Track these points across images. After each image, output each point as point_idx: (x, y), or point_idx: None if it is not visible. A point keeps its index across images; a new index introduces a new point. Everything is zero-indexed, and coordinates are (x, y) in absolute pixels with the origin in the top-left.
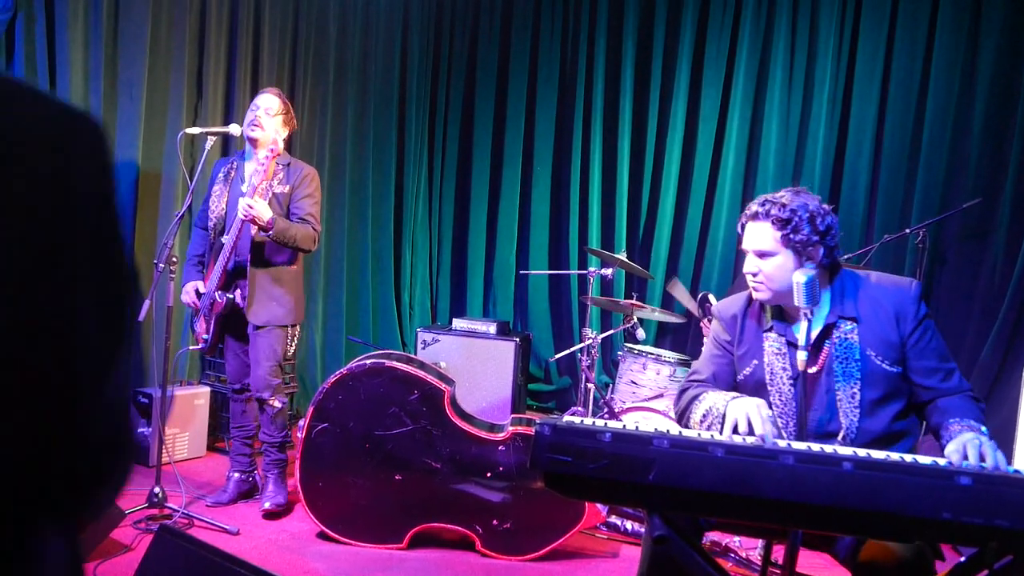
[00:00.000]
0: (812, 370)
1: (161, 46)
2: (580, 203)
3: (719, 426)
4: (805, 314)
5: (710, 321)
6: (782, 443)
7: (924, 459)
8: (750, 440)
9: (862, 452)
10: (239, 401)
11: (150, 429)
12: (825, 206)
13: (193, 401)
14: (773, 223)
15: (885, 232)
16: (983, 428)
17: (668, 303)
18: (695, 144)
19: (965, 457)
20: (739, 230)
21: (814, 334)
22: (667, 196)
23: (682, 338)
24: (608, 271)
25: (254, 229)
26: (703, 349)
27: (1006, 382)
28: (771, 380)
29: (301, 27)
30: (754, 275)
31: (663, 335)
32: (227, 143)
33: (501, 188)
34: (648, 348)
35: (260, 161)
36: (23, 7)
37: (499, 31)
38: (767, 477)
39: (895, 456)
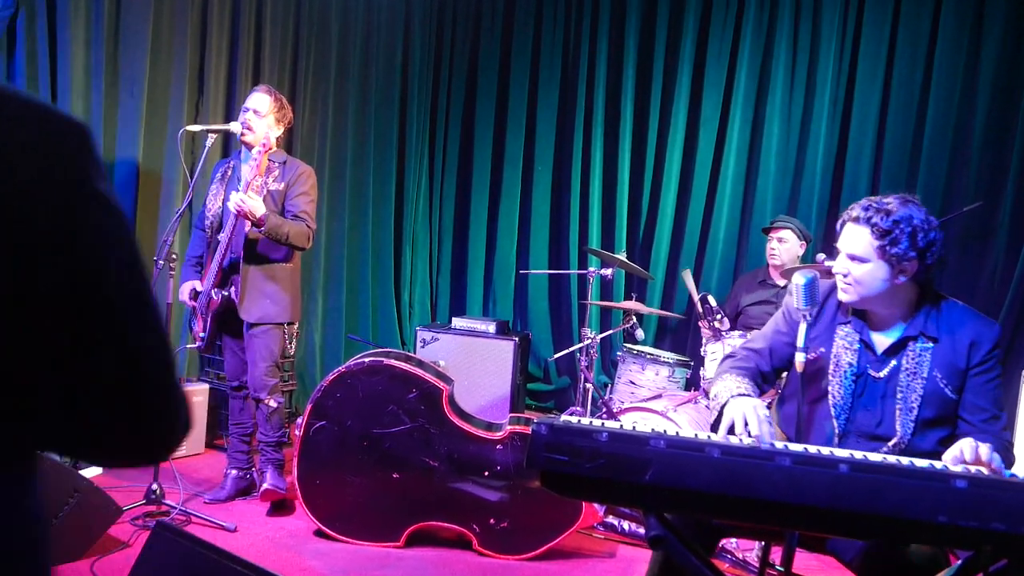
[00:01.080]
0: (879, 375)
1: (162, 44)
2: (580, 203)
3: (717, 414)
4: (804, 316)
5: (709, 321)
6: (779, 444)
7: (921, 462)
8: (747, 441)
9: (859, 454)
10: (237, 398)
11: None
12: (933, 219)
13: (192, 398)
14: (872, 231)
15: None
16: (997, 456)
17: (668, 304)
18: (696, 145)
19: (962, 461)
20: (838, 227)
21: (888, 342)
22: (668, 197)
23: (681, 339)
24: (608, 271)
25: (248, 225)
26: (772, 318)
27: (1005, 385)
28: (834, 371)
29: (303, 26)
30: (844, 276)
31: (662, 336)
32: (228, 141)
33: (502, 187)
34: (647, 349)
35: (253, 158)
36: (24, 4)
37: (501, 31)
38: (763, 478)
39: (891, 459)
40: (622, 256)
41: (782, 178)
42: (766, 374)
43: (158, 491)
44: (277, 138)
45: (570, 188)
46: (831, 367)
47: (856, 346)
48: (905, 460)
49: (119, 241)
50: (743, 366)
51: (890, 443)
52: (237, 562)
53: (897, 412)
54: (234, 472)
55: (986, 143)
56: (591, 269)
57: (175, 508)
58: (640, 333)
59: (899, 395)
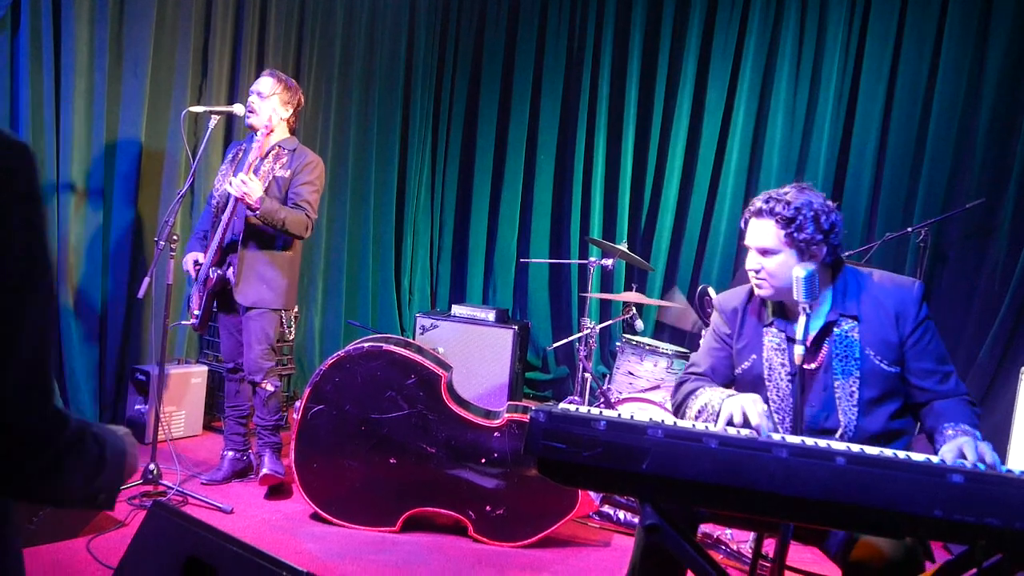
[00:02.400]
0: (811, 366)
1: (167, 24)
2: (582, 193)
3: (715, 422)
4: (804, 309)
5: (709, 314)
6: (776, 436)
7: (917, 456)
8: (744, 432)
9: (856, 447)
10: (233, 380)
11: (147, 406)
12: (830, 203)
13: (190, 379)
14: (777, 221)
15: (887, 230)
16: (978, 432)
17: (667, 296)
18: (699, 137)
19: (962, 457)
20: (742, 225)
21: (814, 331)
22: (670, 188)
23: (680, 331)
24: (608, 262)
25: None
26: (702, 341)
27: (1003, 382)
28: (769, 375)
29: (308, 9)
30: (756, 272)
31: (661, 327)
32: (230, 123)
33: (504, 175)
34: (646, 340)
35: (256, 140)
36: None
37: (506, 19)
38: (760, 470)
39: (888, 452)
40: (623, 247)
41: (785, 171)
42: None
43: (155, 471)
44: (287, 120)
45: (572, 177)
46: (766, 373)
47: (784, 345)
48: (902, 454)
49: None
50: (708, 383)
51: (836, 434)
52: (233, 543)
53: (837, 401)
54: (231, 454)
55: (990, 140)
56: (592, 259)
57: (172, 488)
58: (639, 324)
59: (836, 383)
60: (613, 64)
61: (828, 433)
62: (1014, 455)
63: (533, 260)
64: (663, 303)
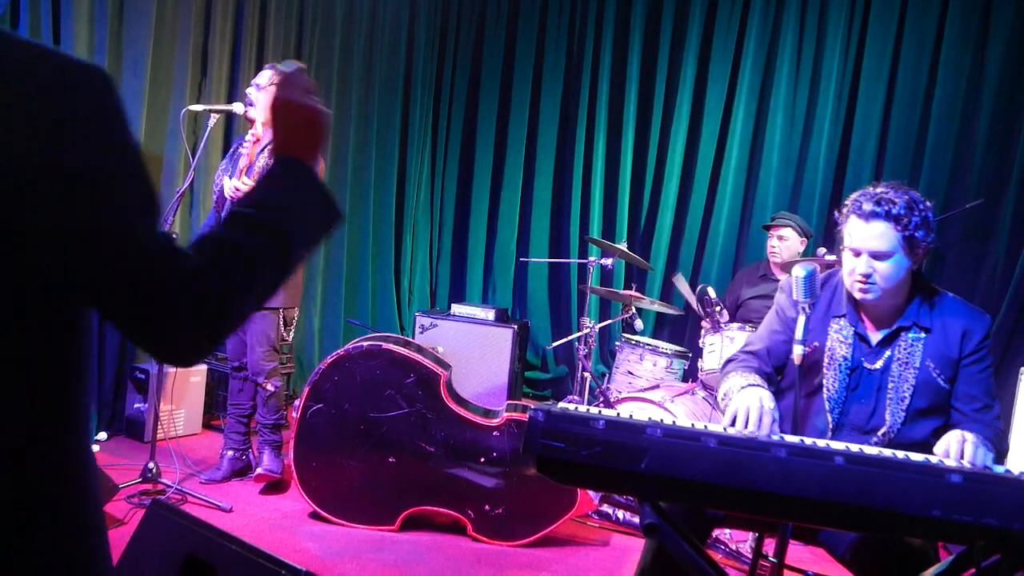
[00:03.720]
0: (872, 366)
1: (167, 23)
2: (582, 192)
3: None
4: (803, 308)
5: (709, 314)
6: (775, 436)
7: (916, 456)
8: (744, 432)
9: (854, 447)
10: (237, 379)
11: (146, 405)
12: (928, 203)
13: (189, 378)
14: (895, 223)
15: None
16: (989, 450)
17: (667, 295)
18: (699, 136)
19: (947, 455)
20: (841, 223)
21: (882, 334)
22: (670, 187)
23: (680, 330)
24: (608, 261)
25: None
26: (766, 319)
27: (1002, 383)
28: (828, 364)
29: (307, 8)
30: (867, 276)
31: (661, 327)
32: (230, 121)
33: (504, 175)
34: (646, 339)
35: (246, 141)
36: None
37: (506, 17)
38: (759, 469)
39: (887, 452)
40: (623, 246)
41: (784, 171)
42: (768, 375)
43: (154, 470)
44: None
45: (572, 176)
46: (826, 360)
47: (851, 339)
48: (900, 454)
49: (135, 176)
50: (747, 366)
51: (879, 432)
52: (232, 541)
53: (888, 402)
54: (230, 453)
55: (990, 141)
56: (591, 258)
57: (171, 487)
58: (639, 324)
59: (891, 385)
60: (613, 62)
61: (871, 433)
62: (1013, 455)
63: (533, 259)
64: (675, 281)
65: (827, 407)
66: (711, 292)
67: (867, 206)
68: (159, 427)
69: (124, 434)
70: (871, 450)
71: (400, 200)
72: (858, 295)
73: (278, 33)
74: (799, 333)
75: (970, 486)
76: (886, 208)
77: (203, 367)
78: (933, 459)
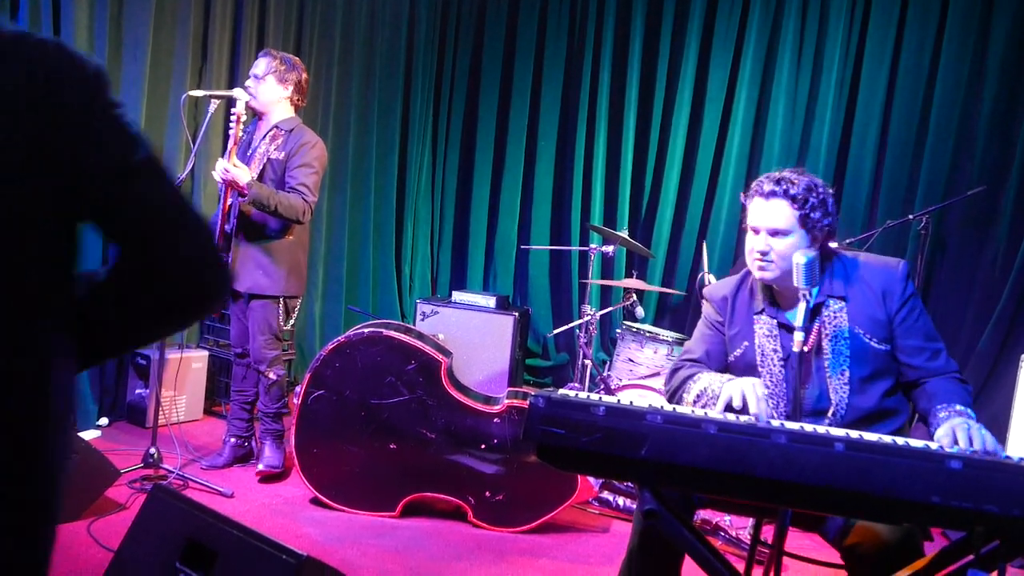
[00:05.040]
0: (805, 348)
1: (167, 7)
2: (583, 179)
3: (714, 406)
4: (804, 295)
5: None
6: (775, 422)
7: (916, 442)
8: (744, 418)
9: (855, 433)
10: (240, 365)
11: (147, 391)
12: (829, 188)
13: (190, 364)
14: (792, 202)
15: (888, 217)
16: (971, 412)
17: (668, 282)
18: (701, 124)
19: (955, 442)
20: (745, 204)
21: (803, 315)
22: (671, 175)
23: (681, 317)
24: (609, 249)
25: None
26: (695, 331)
27: (1003, 370)
28: (762, 361)
29: None
30: (764, 254)
31: (662, 314)
32: (230, 107)
33: (505, 162)
34: (646, 327)
35: (231, 124)
36: None
37: (508, 5)
38: (759, 455)
39: (887, 439)
40: (624, 233)
41: (786, 159)
42: None
43: (156, 455)
44: (288, 98)
45: (573, 164)
46: (758, 359)
47: (775, 332)
48: (900, 440)
49: (136, 144)
50: (703, 368)
51: (828, 412)
52: (233, 526)
53: (828, 380)
54: (233, 440)
55: (991, 128)
56: (592, 246)
57: (172, 472)
58: (640, 311)
59: (827, 362)
60: (615, 50)
61: (821, 414)
62: (1013, 442)
63: (534, 247)
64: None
65: (770, 404)
66: (712, 279)
67: (767, 186)
68: (160, 413)
69: (125, 420)
70: (871, 436)
71: (401, 187)
72: (757, 273)
73: (279, 18)
74: (799, 320)
75: (970, 472)
76: (784, 187)
77: (204, 353)
78: (933, 445)
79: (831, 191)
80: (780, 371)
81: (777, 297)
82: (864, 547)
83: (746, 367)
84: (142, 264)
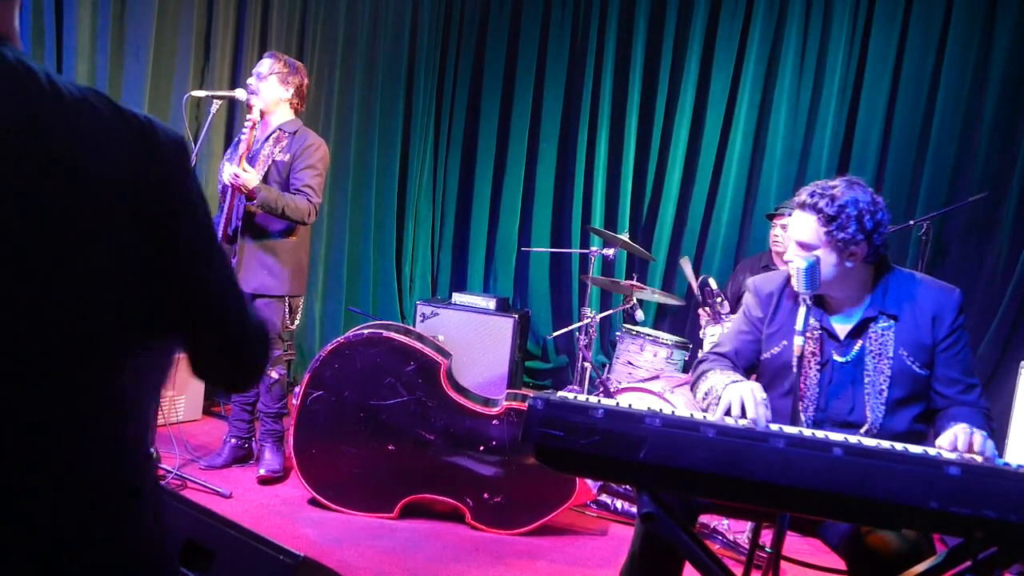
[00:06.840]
0: (843, 359)
1: (169, 7)
2: (585, 182)
3: (716, 408)
4: (803, 300)
5: (708, 307)
6: (774, 427)
7: (915, 448)
8: (742, 422)
9: (853, 438)
10: None
11: None
12: (878, 200)
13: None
14: (819, 217)
15: (889, 223)
16: (985, 432)
17: (669, 285)
18: (702, 127)
19: (956, 444)
20: (788, 213)
21: (849, 326)
22: (672, 178)
23: (680, 321)
24: (610, 251)
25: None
26: (733, 322)
27: (1003, 377)
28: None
29: None
30: (790, 262)
31: (662, 317)
32: (232, 108)
33: (506, 164)
34: (646, 330)
35: (243, 128)
36: None
37: (510, 6)
38: (757, 459)
39: (885, 444)
40: (624, 236)
41: (788, 162)
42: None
43: (154, 455)
44: (289, 100)
45: (574, 166)
46: (795, 360)
47: (817, 334)
48: (899, 445)
49: (209, 233)
50: (722, 366)
51: (862, 429)
52: (231, 526)
53: (866, 397)
54: (233, 441)
55: (994, 134)
56: (593, 248)
57: (171, 472)
58: (640, 314)
59: (867, 379)
60: (617, 52)
61: (851, 427)
62: (1012, 448)
63: (534, 249)
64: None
65: (801, 406)
66: (712, 283)
67: (802, 196)
68: (159, 413)
69: None
70: (869, 441)
71: (402, 188)
72: (792, 282)
73: (281, 18)
74: (799, 324)
75: (968, 478)
76: (815, 202)
77: None
78: (932, 451)
79: (880, 204)
80: (816, 375)
81: (825, 303)
82: (871, 555)
83: (782, 366)
84: (215, 342)
